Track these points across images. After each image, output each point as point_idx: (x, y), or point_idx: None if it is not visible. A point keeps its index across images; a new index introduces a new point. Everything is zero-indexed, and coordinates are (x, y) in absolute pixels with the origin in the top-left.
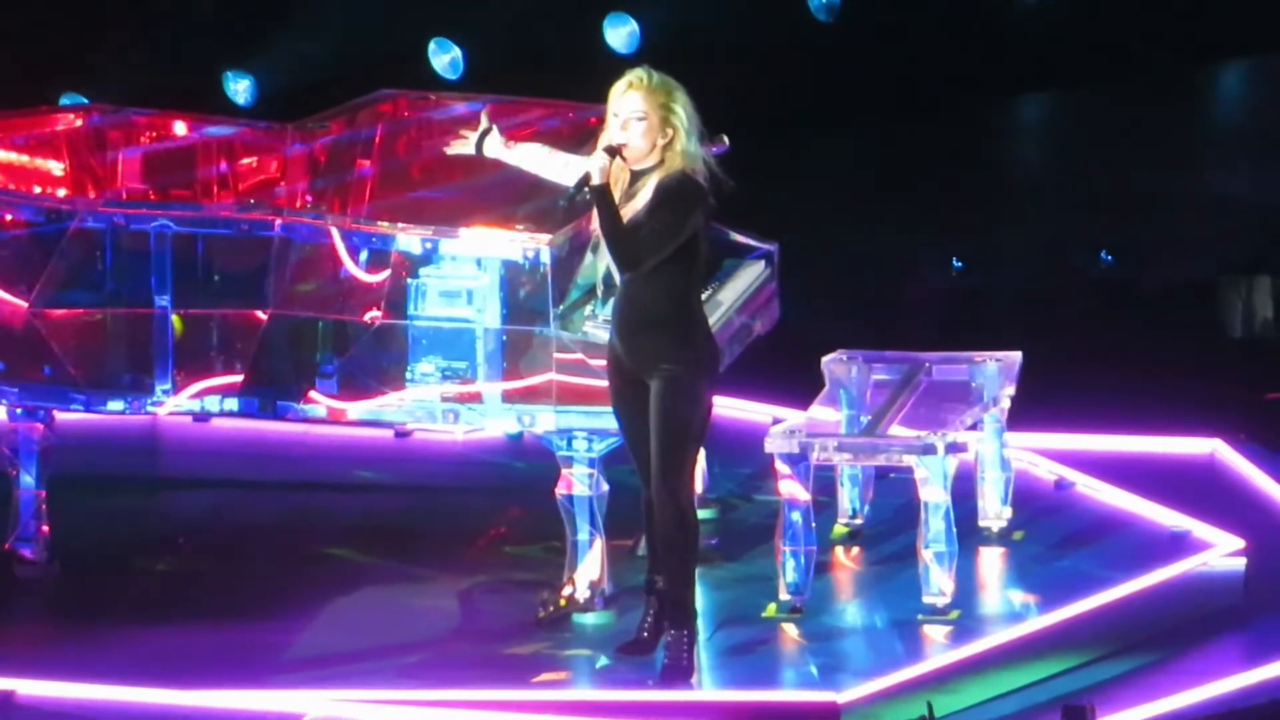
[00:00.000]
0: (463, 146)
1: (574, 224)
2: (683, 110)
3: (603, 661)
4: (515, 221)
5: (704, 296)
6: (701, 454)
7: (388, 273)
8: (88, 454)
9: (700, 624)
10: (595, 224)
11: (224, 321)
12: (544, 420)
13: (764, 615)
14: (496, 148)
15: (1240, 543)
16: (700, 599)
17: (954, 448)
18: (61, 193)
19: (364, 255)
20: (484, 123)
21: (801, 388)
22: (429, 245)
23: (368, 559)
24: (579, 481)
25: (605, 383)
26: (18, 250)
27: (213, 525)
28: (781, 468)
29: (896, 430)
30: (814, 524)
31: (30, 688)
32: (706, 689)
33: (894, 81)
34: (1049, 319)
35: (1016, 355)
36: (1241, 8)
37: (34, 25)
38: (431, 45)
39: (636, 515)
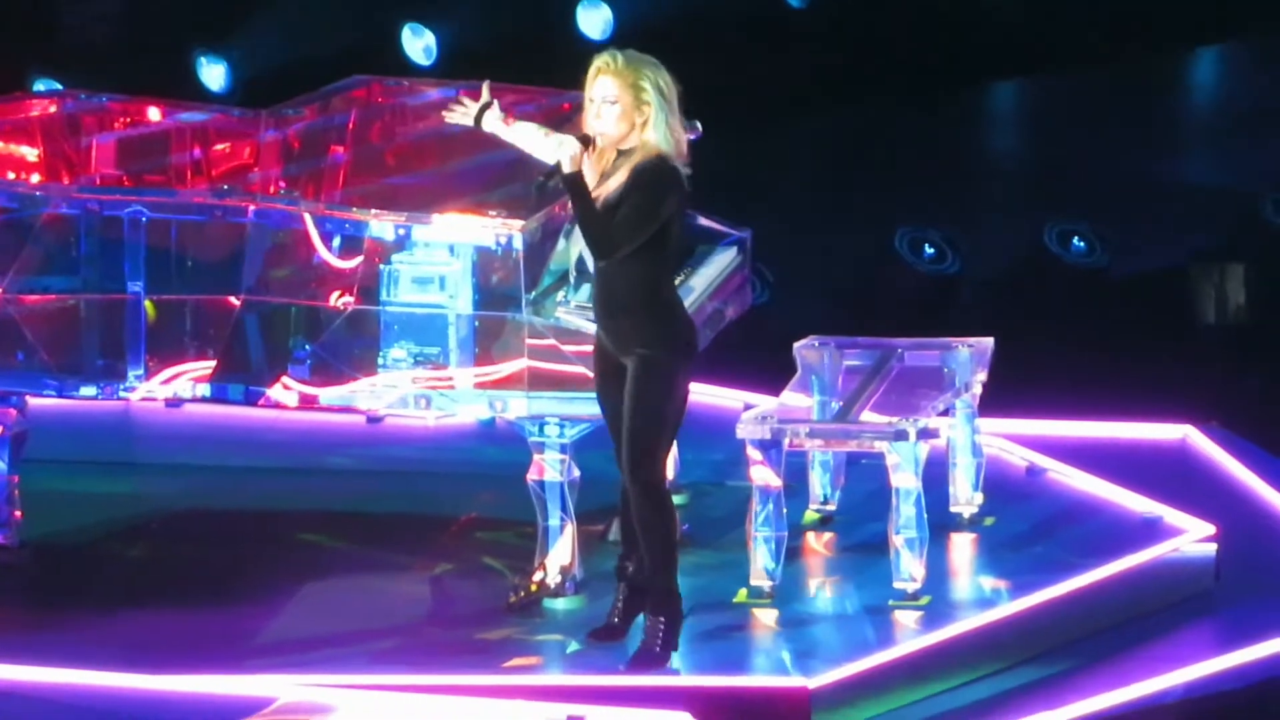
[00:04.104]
0: (462, 117)
1: (546, 210)
2: (653, 89)
3: (573, 647)
4: (488, 207)
5: (676, 282)
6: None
7: (361, 259)
8: (60, 439)
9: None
10: (569, 209)
11: (197, 307)
12: (516, 406)
13: (735, 601)
14: (494, 123)
15: (1211, 528)
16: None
17: (925, 434)
18: (35, 179)
19: (337, 241)
20: (485, 95)
21: (773, 374)
22: (402, 231)
23: (339, 544)
24: (550, 467)
25: (578, 368)
26: None
27: (185, 511)
28: (753, 453)
29: (868, 416)
30: (785, 510)
31: (1, 672)
32: (677, 674)
33: (867, 67)
34: (1021, 305)
35: (988, 341)
36: None
37: (6, 11)
38: (405, 31)
39: (608, 501)
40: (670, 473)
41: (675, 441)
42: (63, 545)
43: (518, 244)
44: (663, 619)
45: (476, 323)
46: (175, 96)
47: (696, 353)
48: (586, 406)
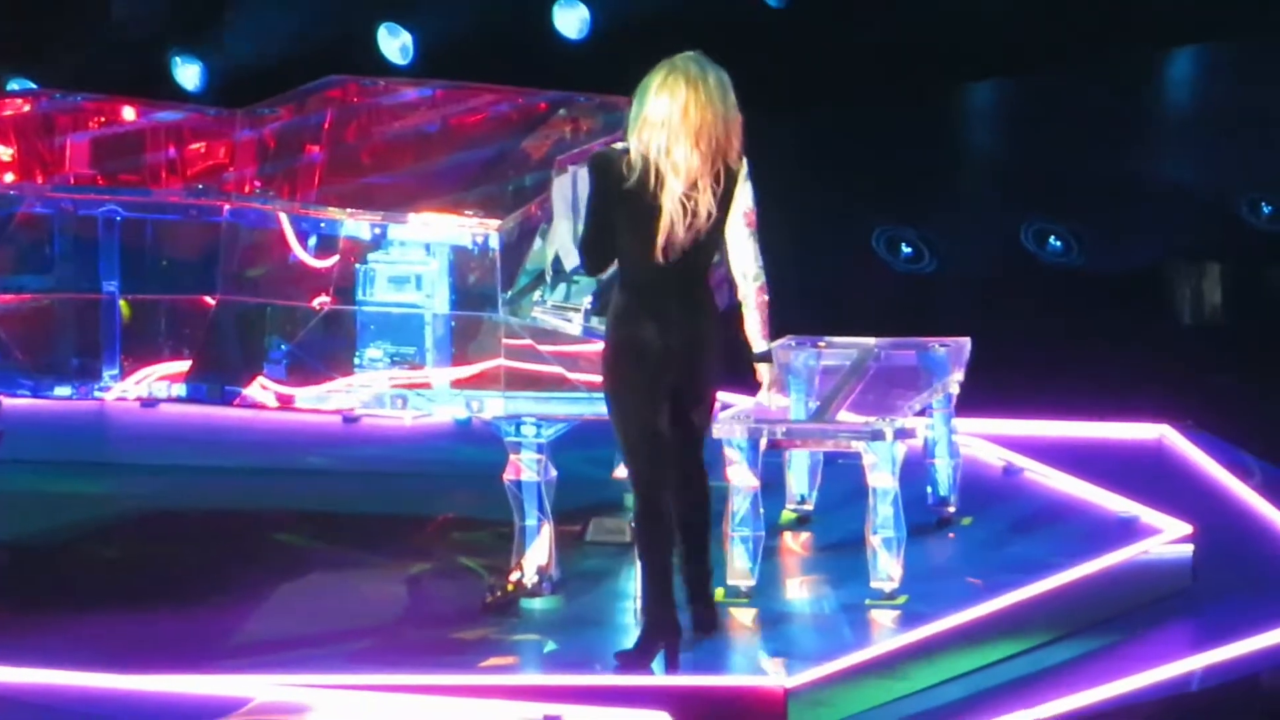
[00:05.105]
0: None
1: (523, 209)
2: (637, 96)
3: (550, 646)
4: (464, 207)
5: None
6: None
7: (336, 258)
8: (34, 439)
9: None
10: (545, 209)
11: (172, 307)
12: (492, 406)
13: (715, 599)
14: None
15: (1188, 528)
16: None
17: (902, 433)
18: (9, 178)
19: (313, 241)
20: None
21: (750, 373)
22: (377, 230)
23: (315, 544)
24: (527, 467)
25: (554, 368)
26: None
27: (160, 511)
28: (730, 453)
29: (845, 416)
30: (762, 509)
31: None
32: (653, 674)
33: (845, 67)
34: (998, 304)
35: (965, 341)
36: None
37: None
38: (382, 30)
39: (585, 501)
40: None
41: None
42: (37, 546)
43: (494, 243)
44: (641, 626)
45: (453, 322)
46: (150, 96)
47: (611, 362)
48: (563, 406)
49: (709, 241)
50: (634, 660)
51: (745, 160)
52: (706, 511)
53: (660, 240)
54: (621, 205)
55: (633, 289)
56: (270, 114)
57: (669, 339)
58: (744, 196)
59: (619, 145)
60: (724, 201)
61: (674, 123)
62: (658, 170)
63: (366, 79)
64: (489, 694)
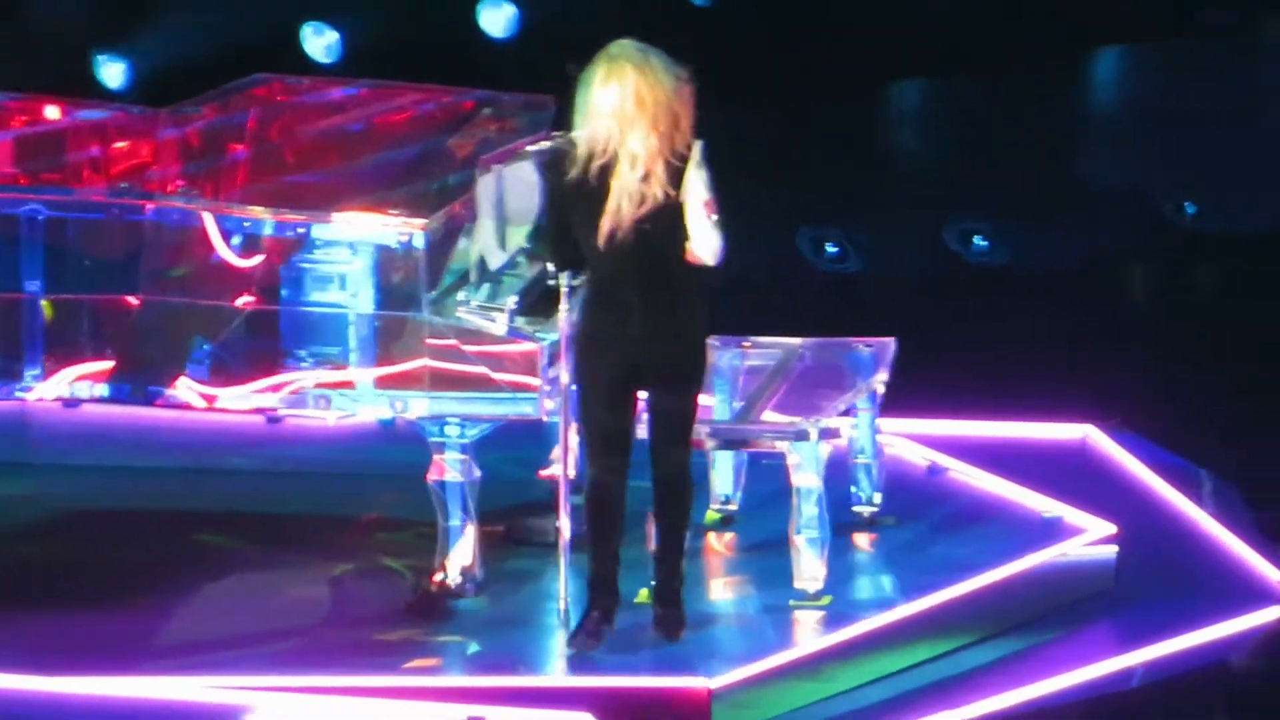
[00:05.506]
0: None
1: (448, 209)
2: (581, 88)
3: (474, 647)
4: (389, 206)
5: (576, 283)
6: (575, 439)
7: (260, 258)
8: None
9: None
10: (470, 208)
11: (95, 307)
12: (417, 406)
13: (636, 601)
14: None
15: (1112, 529)
16: (572, 584)
17: (827, 434)
18: None
19: (237, 240)
20: None
21: None
22: (302, 230)
23: (238, 545)
24: (451, 467)
25: (479, 368)
26: None
27: (82, 511)
28: None
29: (770, 416)
30: None
31: None
32: (577, 675)
33: (770, 67)
34: (923, 304)
35: (890, 341)
36: None
37: None
38: (307, 29)
39: (509, 501)
40: (571, 472)
41: (577, 441)
42: None
43: (419, 243)
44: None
45: (377, 322)
46: (74, 94)
47: (578, 347)
48: (487, 407)
49: (665, 229)
50: (583, 641)
51: (700, 144)
52: (684, 513)
53: (605, 227)
54: (574, 198)
55: (594, 281)
56: (194, 113)
57: (629, 329)
58: (698, 184)
59: (566, 137)
60: (675, 181)
61: (627, 110)
62: (611, 160)
63: (291, 77)
64: (412, 695)
